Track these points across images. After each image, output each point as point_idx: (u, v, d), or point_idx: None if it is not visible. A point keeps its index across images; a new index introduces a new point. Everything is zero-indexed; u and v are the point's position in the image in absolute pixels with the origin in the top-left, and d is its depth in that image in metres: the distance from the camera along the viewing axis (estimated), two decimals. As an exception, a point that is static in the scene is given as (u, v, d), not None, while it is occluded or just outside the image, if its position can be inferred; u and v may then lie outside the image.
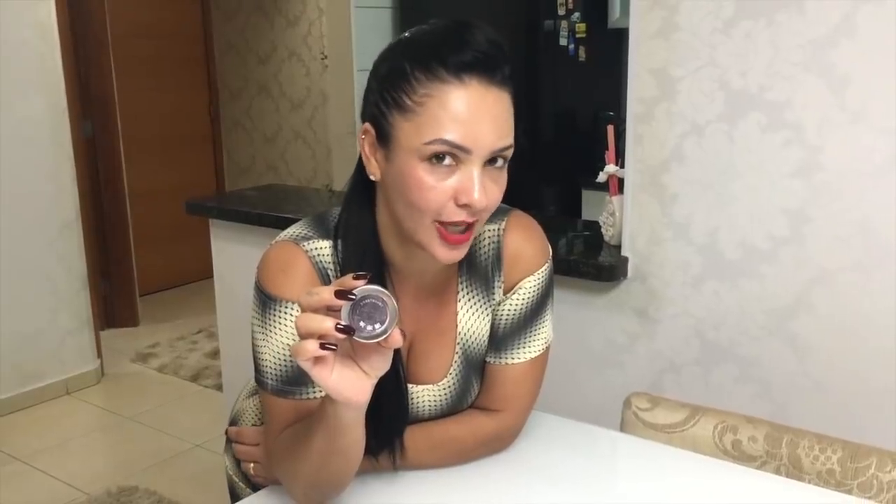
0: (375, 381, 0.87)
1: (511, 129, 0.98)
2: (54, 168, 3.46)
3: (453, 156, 0.94)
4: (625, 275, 1.85)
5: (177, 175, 5.01)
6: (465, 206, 0.95)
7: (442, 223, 0.97)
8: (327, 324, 0.81)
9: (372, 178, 1.03)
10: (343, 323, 0.81)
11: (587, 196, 3.19)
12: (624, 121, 1.85)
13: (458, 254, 1.00)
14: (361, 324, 0.82)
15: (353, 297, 0.81)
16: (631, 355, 1.89)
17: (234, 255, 2.54)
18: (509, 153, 0.98)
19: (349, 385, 0.85)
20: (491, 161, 0.96)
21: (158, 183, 4.85)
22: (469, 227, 0.98)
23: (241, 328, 2.14)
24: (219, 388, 3.46)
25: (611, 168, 1.91)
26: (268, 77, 5.05)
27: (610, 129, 1.90)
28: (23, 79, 3.31)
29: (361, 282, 0.82)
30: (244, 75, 5.17)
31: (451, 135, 0.93)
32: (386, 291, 0.82)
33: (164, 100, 4.97)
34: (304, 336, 0.82)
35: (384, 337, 0.82)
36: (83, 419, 3.41)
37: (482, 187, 0.95)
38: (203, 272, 3.53)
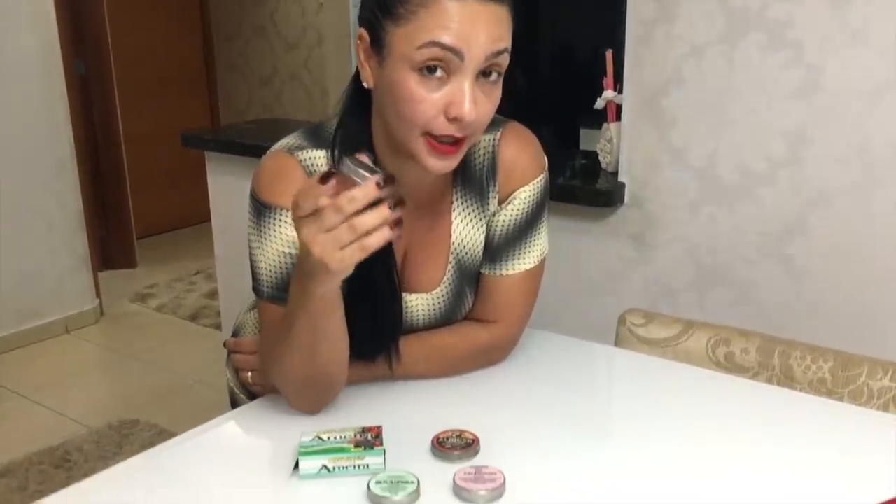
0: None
1: (507, 36, 0.96)
2: (47, 106, 3.43)
3: (445, 67, 0.93)
4: (621, 201, 1.85)
5: (172, 117, 4.96)
6: (454, 121, 0.94)
7: (431, 136, 0.96)
8: (384, 212, 0.83)
9: (366, 85, 1.02)
10: (382, 173, 0.83)
11: (585, 134, 3.18)
12: (623, 47, 1.83)
13: (448, 164, 1.00)
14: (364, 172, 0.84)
15: (336, 170, 0.84)
16: (627, 281, 1.90)
17: (230, 188, 2.53)
18: (504, 60, 0.96)
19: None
20: (485, 74, 0.95)
21: (153, 125, 4.82)
22: (459, 140, 0.97)
23: (238, 263, 2.14)
24: (217, 327, 3.48)
25: (609, 94, 1.89)
26: (263, 17, 4.98)
27: (608, 54, 1.88)
28: (12, 14, 3.25)
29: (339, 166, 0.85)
30: (238, 16, 5.09)
31: (444, 38, 0.91)
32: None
33: (157, 41, 4.90)
34: (362, 232, 0.83)
35: (380, 174, 0.84)
36: (83, 357, 3.44)
37: (473, 100, 0.94)
38: (200, 216, 3.53)
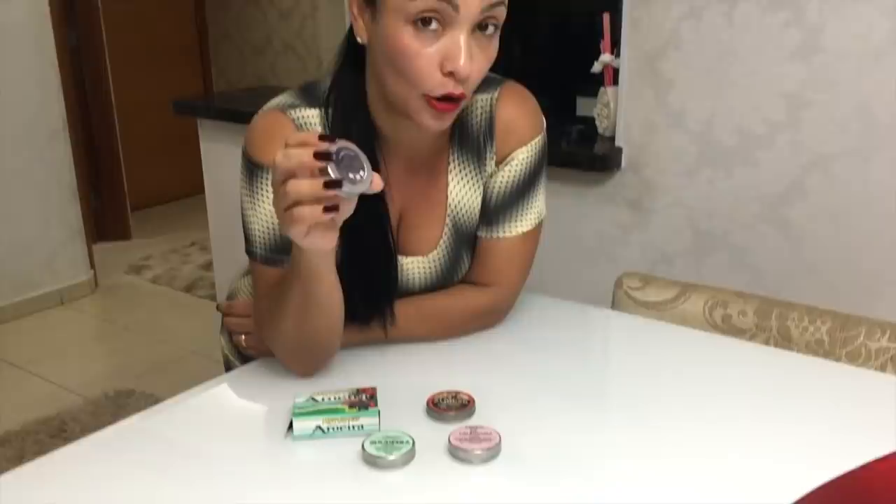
0: (340, 223, 0.86)
1: None
2: (39, 75, 3.39)
3: (440, 19, 0.91)
4: (618, 166, 1.83)
5: (165, 87, 4.91)
6: (450, 75, 0.92)
7: (428, 97, 0.94)
8: (316, 186, 0.80)
9: (359, 40, 1.00)
10: (334, 175, 0.80)
11: (582, 103, 3.14)
12: (620, 10, 1.80)
13: (444, 122, 0.98)
14: (351, 175, 0.81)
15: (333, 154, 0.80)
16: (624, 246, 1.89)
17: (223, 156, 2.51)
18: (500, 13, 0.94)
19: (320, 235, 0.84)
20: (481, 27, 0.93)
21: (146, 96, 4.77)
22: (456, 97, 0.95)
23: (233, 233, 2.12)
24: (212, 298, 3.47)
25: (606, 58, 1.87)
26: (255, -15, 4.91)
27: (605, 16, 1.86)
28: (1, -19, 3.21)
29: (335, 143, 0.80)
30: (231, -17, 5.02)
31: None
32: (349, 143, 0.81)
33: (149, 9, 4.84)
34: (292, 201, 0.81)
35: (367, 185, 0.81)
36: (78, 328, 3.43)
37: (469, 54, 0.92)
38: (195, 187, 3.51)
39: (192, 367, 3.04)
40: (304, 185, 0.80)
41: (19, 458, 2.35)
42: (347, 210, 0.85)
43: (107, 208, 4.39)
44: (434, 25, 0.91)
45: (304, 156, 0.80)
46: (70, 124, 3.56)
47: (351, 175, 0.81)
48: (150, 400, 2.71)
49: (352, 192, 0.81)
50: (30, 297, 3.48)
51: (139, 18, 4.78)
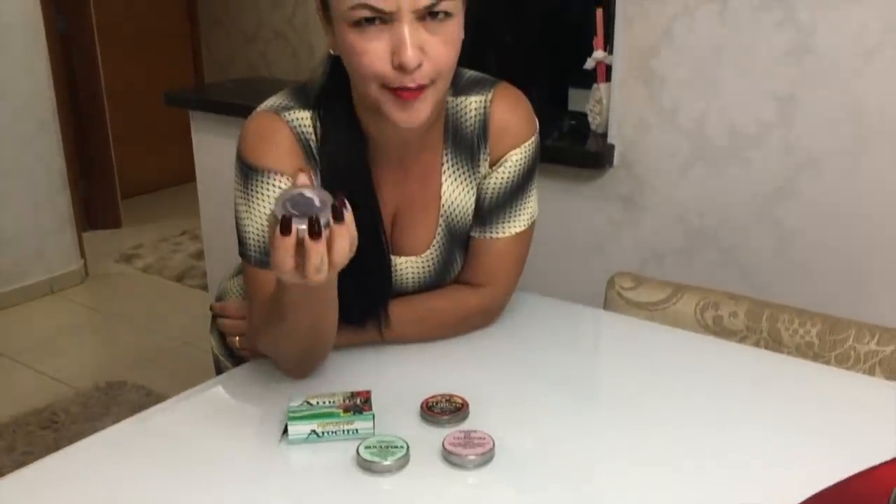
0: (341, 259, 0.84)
1: None
2: (29, 63, 3.36)
3: (380, 18, 0.91)
4: (610, 162, 1.84)
5: (155, 75, 4.88)
6: (399, 69, 0.92)
7: (389, 88, 0.95)
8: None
9: (331, 52, 1.02)
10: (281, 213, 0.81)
11: (574, 95, 3.14)
12: (613, 6, 1.80)
13: (414, 115, 0.97)
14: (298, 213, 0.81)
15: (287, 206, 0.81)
16: (615, 243, 1.90)
17: (215, 147, 2.50)
18: (446, 5, 0.92)
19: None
20: (432, 15, 0.92)
21: (136, 83, 4.74)
22: (416, 89, 0.94)
23: (224, 223, 2.11)
24: (204, 287, 3.47)
25: (599, 54, 1.87)
26: (246, -28, 4.87)
27: (599, 12, 1.85)
28: (-10, -32, 3.18)
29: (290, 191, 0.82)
30: (221, -30, 4.98)
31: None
32: (307, 185, 0.82)
33: (139, -4, 4.81)
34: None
35: (324, 222, 0.80)
36: (69, 317, 3.42)
37: (415, 45, 0.91)
38: (185, 175, 3.49)
39: (183, 357, 3.04)
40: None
41: (10, 450, 2.35)
42: (340, 247, 0.82)
43: (97, 196, 4.37)
44: (377, 22, 0.92)
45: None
46: (60, 112, 3.54)
47: (295, 212, 0.81)
48: (141, 391, 2.71)
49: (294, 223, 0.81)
50: (19, 287, 3.47)
51: (129, 5, 4.74)
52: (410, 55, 0.91)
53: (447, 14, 0.93)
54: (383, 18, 0.91)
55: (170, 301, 3.57)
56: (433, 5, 0.91)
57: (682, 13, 1.68)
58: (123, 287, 3.73)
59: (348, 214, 0.82)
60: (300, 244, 0.81)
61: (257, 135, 1.05)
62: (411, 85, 0.93)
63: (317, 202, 0.81)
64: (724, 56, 1.65)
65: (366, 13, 0.91)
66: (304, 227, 0.80)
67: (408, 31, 0.91)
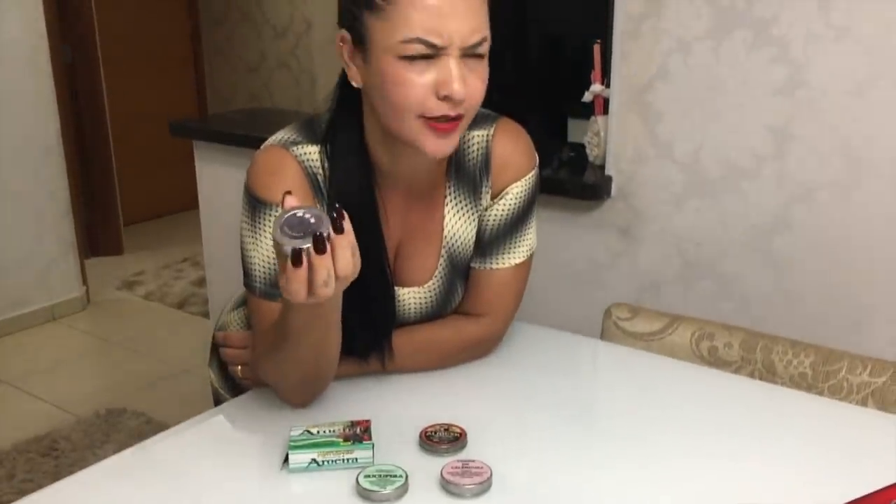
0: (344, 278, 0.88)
1: (485, 22, 0.99)
2: (34, 93, 3.40)
3: (428, 53, 0.95)
4: (608, 193, 1.86)
5: (159, 103, 4.93)
6: (445, 99, 0.97)
7: (426, 118, 0.98)
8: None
9: (354, 84, 1.04)
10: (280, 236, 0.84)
11: (573, 125, 3.18)
12: (611, 40, 1.84)
13: (446, 145, 1.01)
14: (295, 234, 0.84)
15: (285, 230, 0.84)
16: (613, 273, 1.92)
17: (218, 177, 2.53)
18: (485, 47, 0.99)
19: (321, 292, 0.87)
20: (468, 55, 0.98)
21: (140, 110, 4.79)
22: (454, 118, 0.99)
23: (226, 251, 2.14)
24: (205, 315, 3.48)
25: (596, 88, 1.91)
26: (249, 3, 4.94)
27: (596, 47, 1.89)
28: (-2, 0, 3.23)
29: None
30: (226, 0, 5.05)
31: (425, 34, 0.94)
32: (296, 206, 0.85)
33: (144, 24, 4.87)
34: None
35: (325, 235, 0.83)
36: (70, 344, 3.43)
37: (461, 78, 0.96)
38: (188, 203, 3.52)
39: (183, 385, 3.04)
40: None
41: (10, 477, 2.35)
42: (343, 256, 0.85)
43: (99, 224, 4.40)
44: (425, 58, 0.96)
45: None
46: (64, 140, 3.58)
47: (294, 234, 0.84)
48: (141, 419, 2.72)
49: (296, 244, 0.84)
50: (21, 314, 3.49)
51: (134, 35, 4.80)
52: (459, 88, 0.96)
53: (481, 55, 0.99)
54: (432, 54, 0.95)
55: (171, 328, 3.58)
56: (478, 45, 0.97)
57: (678, 49, 1.71)
58: (125, 314, 3.74)
59: (347, 223, 0.85)
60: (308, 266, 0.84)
61: (266, 168, 1.08)
62: (452, 114, 0.98)
63: (312, 219, 0.84)
64: (719, 91, 1.69)
65: (420, 48, 0.95)
66: (309, 245, 0.83)
67: (455, 65, 0.96)
